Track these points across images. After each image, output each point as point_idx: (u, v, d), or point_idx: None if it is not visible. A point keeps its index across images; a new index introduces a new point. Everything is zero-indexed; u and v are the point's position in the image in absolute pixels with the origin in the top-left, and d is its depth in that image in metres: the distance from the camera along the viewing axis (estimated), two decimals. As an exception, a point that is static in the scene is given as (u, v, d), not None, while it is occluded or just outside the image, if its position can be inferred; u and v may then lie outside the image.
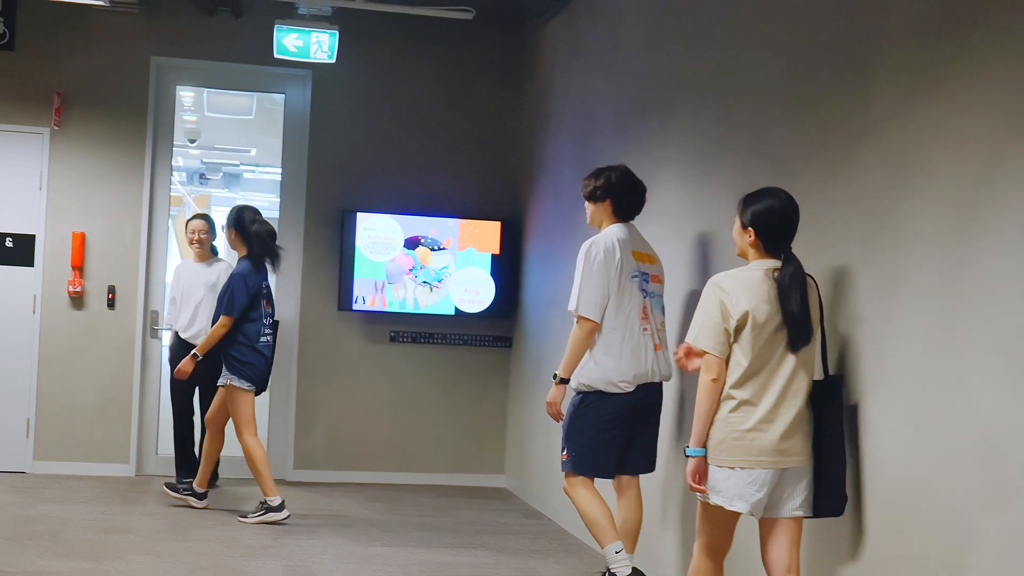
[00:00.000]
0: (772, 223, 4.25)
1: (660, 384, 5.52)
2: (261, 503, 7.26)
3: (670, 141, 6.23)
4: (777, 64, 5.08)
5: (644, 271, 5.48)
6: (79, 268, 8.44)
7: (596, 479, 5.50)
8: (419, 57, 8.97)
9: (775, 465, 4.12)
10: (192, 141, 13.59)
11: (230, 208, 7.59)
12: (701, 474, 4.20)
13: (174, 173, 16.68)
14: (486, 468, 9.08)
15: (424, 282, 8.73)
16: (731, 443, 4.13)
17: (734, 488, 4.13)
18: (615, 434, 5.40)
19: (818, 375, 4.29)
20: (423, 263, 8.73)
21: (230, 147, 14.87)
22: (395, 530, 7.23)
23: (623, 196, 5.55)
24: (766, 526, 4.24)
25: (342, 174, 8.86)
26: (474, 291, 8.84)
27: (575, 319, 5.40)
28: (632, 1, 6.94)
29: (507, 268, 8.83)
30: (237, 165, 16.52)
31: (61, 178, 8.46)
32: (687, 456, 4.23)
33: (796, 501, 4.19)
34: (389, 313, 8.77)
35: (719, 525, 4.28)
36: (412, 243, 8.70)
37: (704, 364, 4.19)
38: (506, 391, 9.04)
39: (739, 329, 4.15)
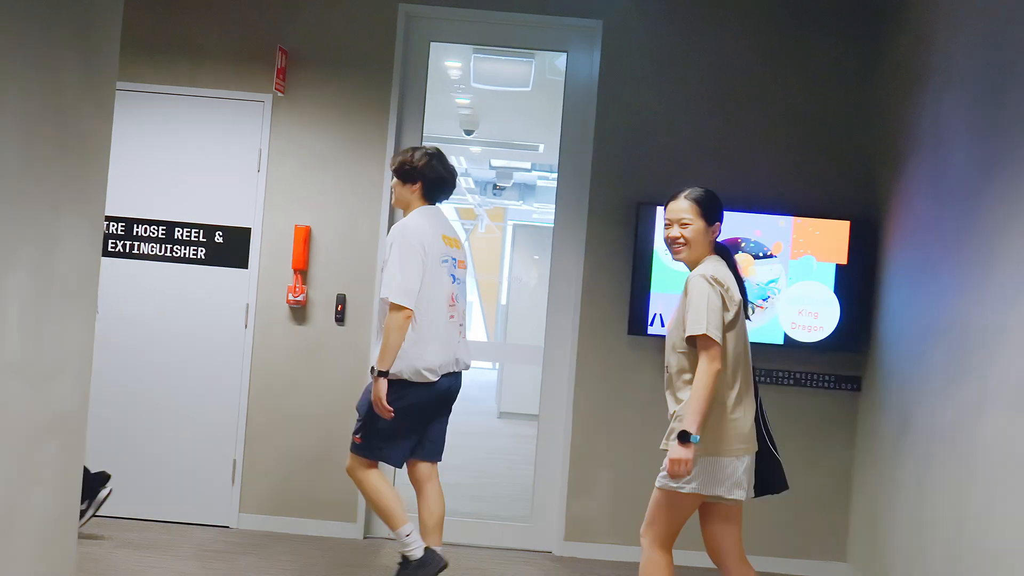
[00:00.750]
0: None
1: (460, 373, 5.57)
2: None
3: None
4: None
5: (453, 256, 5.52)
6: (302, 272, 6.68)
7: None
8: (738, 4, 6.81)
9: (752, 451, 4.48)
10: (468, 133, 11.95)
11: None
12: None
13: (465, 180, 15.74)
14: (822, 552, 6.75)
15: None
16: (725, 432, 4.39)
17: (732, 477, 4.38)
18: (415, 424, 5.43)
19: None
20: (744, 275, 6.49)
21: (512, 142, 13.27)
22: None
23: (435, 181, 5.53)
24: (714, 511, 4.50)
25: (636, 156, 6.76)
26: (811, 314, 6.56)
27: (387, 307, 5.30)
28: None
29: (858, 284, 6.54)
30: (529, 170, 15.18)
31: (284, 156, 6.73)
32: (690, 443, 4.25)
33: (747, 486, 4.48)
34: (695, 340, 6.57)
35: (682, 516, 4.48)
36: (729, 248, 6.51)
37: (712, 355, 4.33)
38: (852, 450, 6.71)
39: (733, 320, 4.45)
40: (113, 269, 6.58)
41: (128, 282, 6.69)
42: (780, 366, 6.73)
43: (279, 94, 6.66)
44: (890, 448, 6.11)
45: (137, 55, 6.63)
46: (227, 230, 6.70)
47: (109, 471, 6.13)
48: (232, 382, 6.68)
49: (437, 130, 11.10)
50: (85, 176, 4.21)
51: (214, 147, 6.72)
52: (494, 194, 16.39)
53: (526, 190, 16.27)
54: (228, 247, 6.70)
